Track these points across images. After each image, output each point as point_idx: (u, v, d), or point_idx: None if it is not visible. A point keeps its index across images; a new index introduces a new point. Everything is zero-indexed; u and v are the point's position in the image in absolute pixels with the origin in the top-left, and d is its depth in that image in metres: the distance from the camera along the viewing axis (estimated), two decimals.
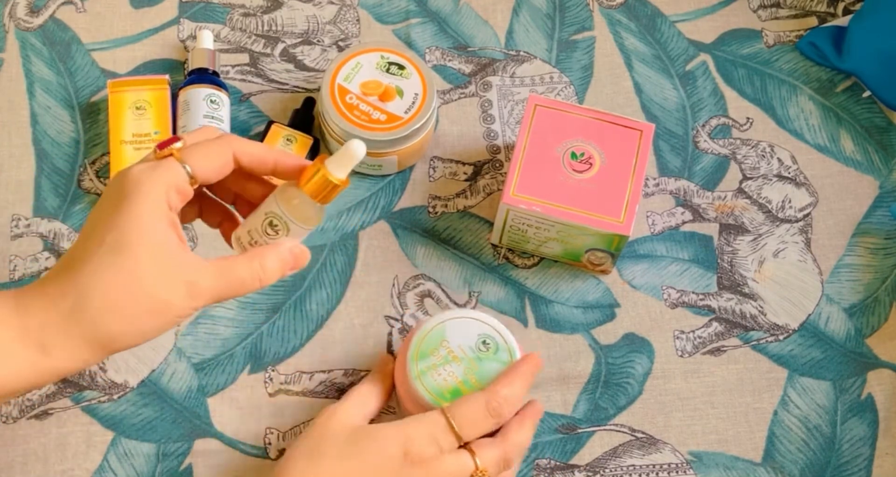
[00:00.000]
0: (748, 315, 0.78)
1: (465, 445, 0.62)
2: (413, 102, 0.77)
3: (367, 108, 0.77)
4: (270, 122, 0.80)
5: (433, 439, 0.61)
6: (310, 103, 0.82)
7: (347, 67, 0.78)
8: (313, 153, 0.80)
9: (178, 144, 0.57)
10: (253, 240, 0.59)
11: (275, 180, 0.62)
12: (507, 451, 0.63)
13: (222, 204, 0.64)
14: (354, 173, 0.81)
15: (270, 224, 0.59)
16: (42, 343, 0.55)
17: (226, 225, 0.63)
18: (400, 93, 0.78)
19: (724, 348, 0.77)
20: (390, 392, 0.70)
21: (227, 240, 0.63)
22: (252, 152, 0.59)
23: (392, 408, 0.74)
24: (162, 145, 0.57)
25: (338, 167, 0.58)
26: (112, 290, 0.55)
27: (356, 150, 0.57)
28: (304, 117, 0.81)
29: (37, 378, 0.56)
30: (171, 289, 0.56)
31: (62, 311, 0.55)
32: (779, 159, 0.83)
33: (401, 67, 0.79)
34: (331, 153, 0.81)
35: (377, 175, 0.81)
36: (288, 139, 0.79)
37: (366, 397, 0.68)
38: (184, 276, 0.56)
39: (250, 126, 0.83)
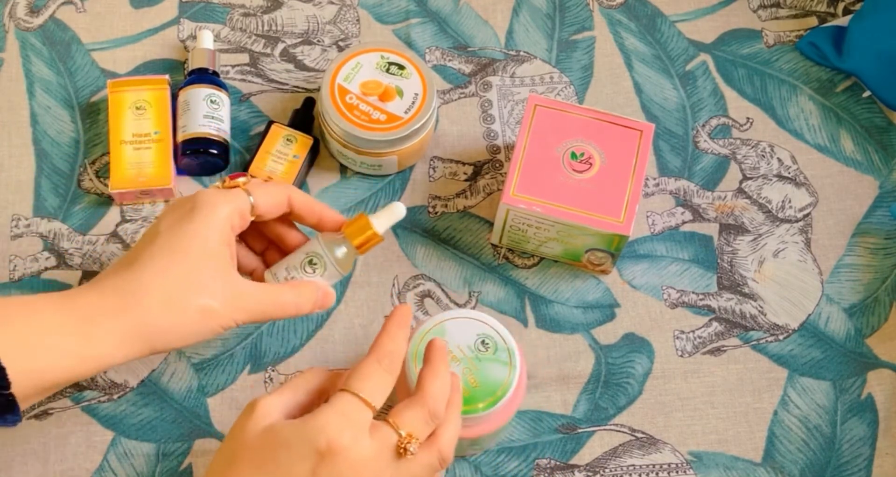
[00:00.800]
0: (748, 315, 0.78)
1: (382, 417, 0.58)
2: (413, 102, 0.77)
3: (367, 108, 0.77)
4: (270, 122, 0.80)
5: (347, 422, 0.56)
6: (310, 103, 0.82)
7: (347, 67, 0.78)
8: (313, 153, 0.80)
9: (244, 179, 0.65)
10: (290, 275, 0.66)
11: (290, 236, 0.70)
12: (429, 406, 0.58)
13: (255, 253, 0.71)
14: (355, 173, 0.81)
15: (310, 262, 0.66)
16: (87, 330, 0.58)
17: (256, 273, 0.70)
18: (400, 93, 0.78)
19: (724, 348, 0.77)
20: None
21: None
22: (304, 199, 0.67)
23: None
24: (231, 177, 0.66)
25: (379, 222, 0.67)
26: (167, 286, 0.60)
27: (399, 211, 0.67)
28: (304, 117, 0.81)
29: (78, 365, 0.58)
30: (221, 297, 0.61)
31: (114, 301, 0.59)
32: (779, 159, 0.83)
33: (401, 67, 0.79)
34: (331, 153, 0.81)
35: (377, 175, 0.81)
36: (288, 139, 0.79)
37: (296, 388, 0.60)
38: (234, 288, 0.62)
39: (250, 126, 0.83)
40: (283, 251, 0.70)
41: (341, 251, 0.67)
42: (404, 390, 0.67)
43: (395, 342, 0.60)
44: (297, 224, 0.70)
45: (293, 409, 0.59)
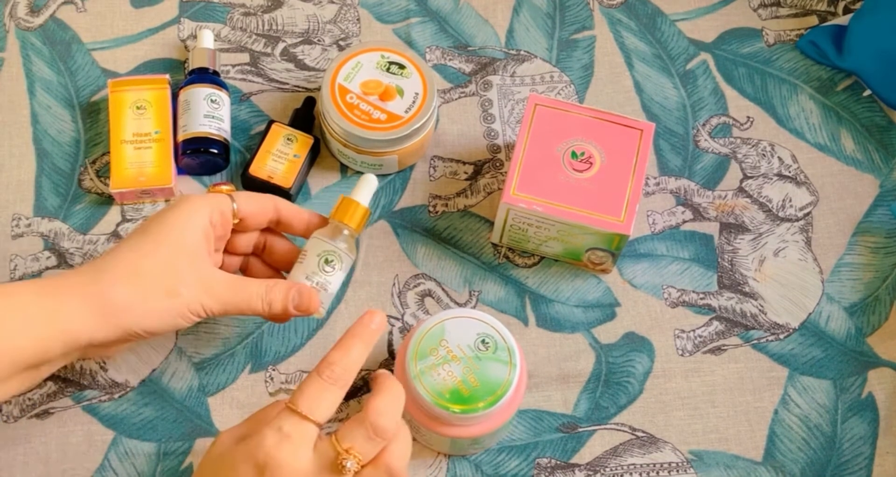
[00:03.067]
0: (749, 314, 0.78)
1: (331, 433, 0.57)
2: (413, 102, 0.77)
3: (367, 108, 0.77)
4: (271, 122, 0.80)
5: (283, 437, 0.54)
6: (310, 103, 0.82)
7: (348, 67, 0.78)
8: (314, 152, 0.80)
9: (227, 187, 0.69)
10: (314, 282, 0.68)
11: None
12: (371, 421, 0.56)
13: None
14: (355, 173, 0.81)
15: (327, 261, 0.68)
16: (53, 305, 0.59)
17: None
18: (400, 92, 0.78)
19: (725, 347, 0.77)
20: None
21: None
22: (290, 207, 0.70)
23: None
24: (215, 185, 0.70)
25: (361, 197, 0.70)
26: (136, 264, 0.61)
27: (372, 181, 0.71)
28: (305, 117, 0.81)
29: (47, 341, 0.59)
30: (186, 280, 0.62)
31: (83, 277, 0.60)
32: (779, 158, 0.83)
33: (401, 67, 0.79)
34: (331, 152, 0.81)
35: (377, 175, 0.81)
36: (288, 139, 0.79)
37: (254, 419, 0.59)
38: (200, 274, 0.63)
39: (251, 125, 0.83)
40: (269, 261, 0.72)
41: (344, 238, 0.69)
42: (409, 400, 0.67)
43: (343, 352, 0.57)
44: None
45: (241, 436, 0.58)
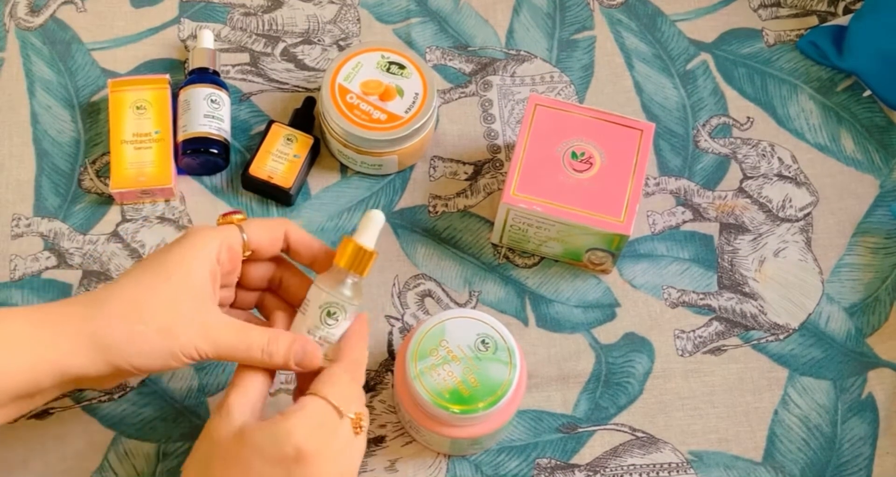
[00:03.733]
0: (748, 314, 0.78)
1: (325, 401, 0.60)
2: (413, 102, 0.77)
3: (367, 108, 0.77)
4: (271, 122, 0.80)
5: (320, 427, 0.58)
6: (310, 103, 0.82)
7: (348, 67, 0.78)
8: (314, 152, 0.80)
9: (239, 216, 0.64)
10: (317, 336, 0.63)
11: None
12: (360, 379, 0.63)
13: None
14: (355, 173, 0.81)
15: (329, 313, 0.63)
16: (44, 335, 0.57)
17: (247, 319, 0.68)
18: (400, 92, 0.78)
19: (725, 348, 0.77)
20: (276, 366, 0.63)
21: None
22: (300, 236, 0.65)
23: (392, 408, 0.74)
24: (226, 214, 0.65)
25: (366, 238, 0.63)
26: (130, 298, 0.58)
27: (378, 219, 0.64)
28: (305, 117, 0.81)
29: (35, 369, 0.57)
30: (184, 322, 0.59)
31: (78, 309, 0.58)
32: (779, 159, 0.83)
33: (401, 67, 0.79)
34: (331, 152, 0.81)
35: (377, 175, 0.81)
36: (288, 139, 0.79)
37: (248, 384, 0.61)
38: (201, 317, 0.60)
39: (251, 126, 0.83)
40: (285, 297, 0.68)
41: (348, 286, 0.63)
42: (409, 399, 0.67)
43: (359, 352, 0.63)
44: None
45: (259, 401, 0.61)
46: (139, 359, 0.58)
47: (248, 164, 0.79)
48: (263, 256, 0.65)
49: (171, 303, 0.59)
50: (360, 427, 0.60)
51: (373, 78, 0.78)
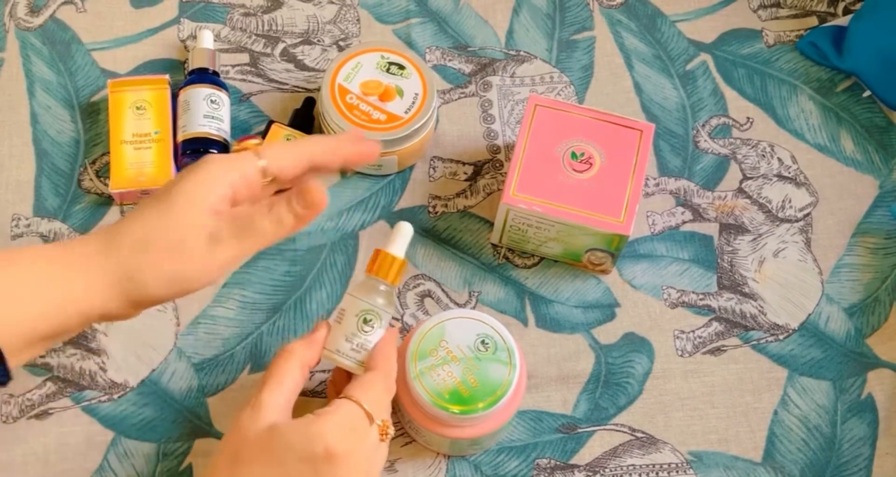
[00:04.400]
0: (748, 315, 0.78)
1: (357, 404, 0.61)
2: (413, 102, 0.77)
3: (367, 108, 0.77)
4: (271, 122, 0.80)
5: (352, 431, 0.59)
6: (310, 103, 0.82)
7: (348, 67, 0.78)
8: None
9: (254, 141, 0.62)
10: (354, 344, 0.64)
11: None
12: (392, 388, 0.64)
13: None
14: (355, 173, 0.81)
15: (365, 321, 0.64)
16: (76, 275, 0.57)
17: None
18: (400, 93, 0.78)
19: (725, 348, 0.77)
20: (315, 359, 0.64)
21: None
22: (326, 149, 0.63)
23: (392, 408, 0.74)
24: (240, 140, 0.63)
25: (397, 248, 0.66)
26: (143, 227, 0.59)
27: (407, 231, 0.66)
28: (305, 117, 0.81)
29: (61, 312, 0.57)
30: (194, 234, 0.59)
31: (99, 244, 0.58)
32: (779, 159, 0.83)
33: (401, 67, 0.79)
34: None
35: (377, 175, 0.81)
36: (288, 139, 0.79)
37: (281, 379, 0.62)
38: (209, 227, 0.59)
39: (250, 126, 0.83)
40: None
41: (382, 293, 0.65)
42: (404, 390, 0.67)
43: (393, 362, 0.64)
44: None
45: (290, 401, 0.62)
46: (158, 284, 0.59)
47: None
48: (287, 179, 0.62)
49: (177, 221, 0.58)
50: (386, 434, 0.61)
51: (372, 78, 0.78)
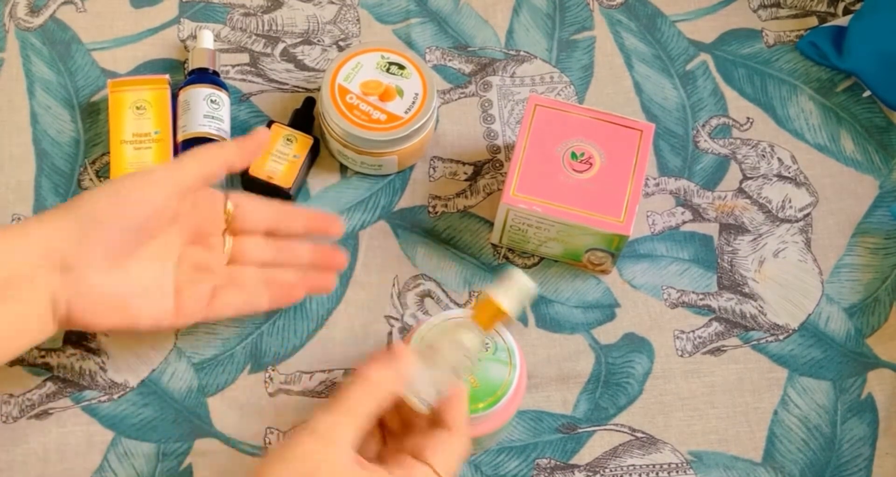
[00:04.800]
0: (748, 315, 0.78)
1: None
2: (413, 102, 0.77)
3: (367, 108, 0.77)
4: (270, 122, 0.80)
5: None
6: (310, 103, 0.82)
7: (348, 67, 0.78)
8: (313, 153, 0.80)
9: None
10: (441, 390, 0.61)
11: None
12: (467, 451, 0.62)
13: None
14: (355, 173, 0.81)
15: (458, 374, 0.62)
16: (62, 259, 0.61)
17: None
18: (400, 93, 0.78)
19: (725, 348, 0.77)
20: (394, 398, 0.60)
21: None
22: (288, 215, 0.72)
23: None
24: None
25: (510, 303, 0.62)
26: (103, 189, 0.63)
27: (528, 289, 0.61)
28: (305, 117, 0.81)
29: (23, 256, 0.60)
30: (150, 175, 0.64)
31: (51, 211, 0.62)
32: (779, 159, 0.83)
33: (401, 67, 0.79)
34: (331, 153, 0.81)
35: (377, 175, 0.81)
36: (288, 139, 0.79)
37: (361, 411, 0.57)
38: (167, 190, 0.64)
39: (250, 126, 0.83)
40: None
41: (476, 342, 0.62)
42: None
43: (468, 423, 0.61)
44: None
45: (360, 439, 0.58)
46: (123, 219, 0.63)
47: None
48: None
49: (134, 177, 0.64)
50: None
51: (372, 78, 0.78)
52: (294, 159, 0.79)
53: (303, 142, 0.79)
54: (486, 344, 0.66)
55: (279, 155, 0.79)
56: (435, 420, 0.60)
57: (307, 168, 0.80)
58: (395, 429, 0.64)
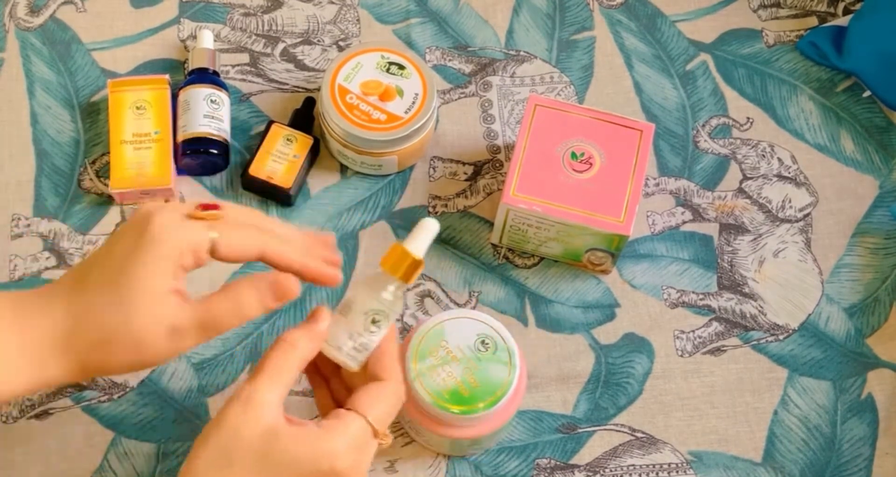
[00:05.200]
0: (748, 315, 0.78)
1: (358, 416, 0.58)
2: (413, 102, 0.77)
3: (367, 108, 0.77)
4: (270, 122, 0.80)
5: (358, 450, 0.57)
6: (310, 103, 0.82)
7: (348, 67, 0.78)
8: (313, 153, 0.80)
9: (217, 212, 0.58)
10: (357, 342, 0.60)
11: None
12: (397, 405, 0.61)
13: None
14: (355, 173, 0.81)
15: (374, 321, 0.60)
16: (41, 359, 0.56)
17: None
18: (400, 93, 0.78)
19: (725, 348, 0.77)
20: (315, 353, 0.59)
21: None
22: (281, 256, 0.59)
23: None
24: (204, 207, 0.58)
25: (416, 246, 0.60)
26: (104, 325, 0.56)
27: (432, 227, 0.61)
28: (305, 117, 0.81)
29: (31, 388, 0.57)
30: (155, 333, 0.56)
31: (60, 332, 0.56)
32: (779, 159, 0.83)
33: (401, 67, 0.79)
34: (331, 153, 0.81)
35: (377, 175, 0.81)
36: (288, 139, 0.79)
37: (279, 374, 0.57)
38: (169, 321, 0.57)
39: (250, 126, 0.83)
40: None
41: (391, 292, 0.60)
42: (409, 400, 0.67)
43: (400, 370, 0.61)
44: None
45: (284, 397, 0.58)
46: (123, 369, 0.58)
47: (247, 164, 0.79)
48: (230, 261, 0.60)
49: (137, 322, 0.56)
50: (381, 442, 0.60)
51: (372, 78, 0.78)
52: (294, 159, 0.79)
53: (303, 142, 0.79)
54: (487, 345, 0.66)
55: (279, 155, 0.79)
56: (371, 375, 0.61)
57: (307, 168, 0.80)
58: (342, 399, 0.63)
